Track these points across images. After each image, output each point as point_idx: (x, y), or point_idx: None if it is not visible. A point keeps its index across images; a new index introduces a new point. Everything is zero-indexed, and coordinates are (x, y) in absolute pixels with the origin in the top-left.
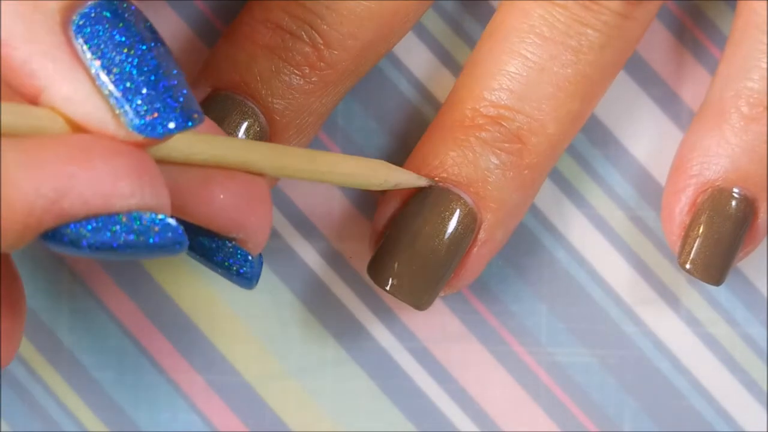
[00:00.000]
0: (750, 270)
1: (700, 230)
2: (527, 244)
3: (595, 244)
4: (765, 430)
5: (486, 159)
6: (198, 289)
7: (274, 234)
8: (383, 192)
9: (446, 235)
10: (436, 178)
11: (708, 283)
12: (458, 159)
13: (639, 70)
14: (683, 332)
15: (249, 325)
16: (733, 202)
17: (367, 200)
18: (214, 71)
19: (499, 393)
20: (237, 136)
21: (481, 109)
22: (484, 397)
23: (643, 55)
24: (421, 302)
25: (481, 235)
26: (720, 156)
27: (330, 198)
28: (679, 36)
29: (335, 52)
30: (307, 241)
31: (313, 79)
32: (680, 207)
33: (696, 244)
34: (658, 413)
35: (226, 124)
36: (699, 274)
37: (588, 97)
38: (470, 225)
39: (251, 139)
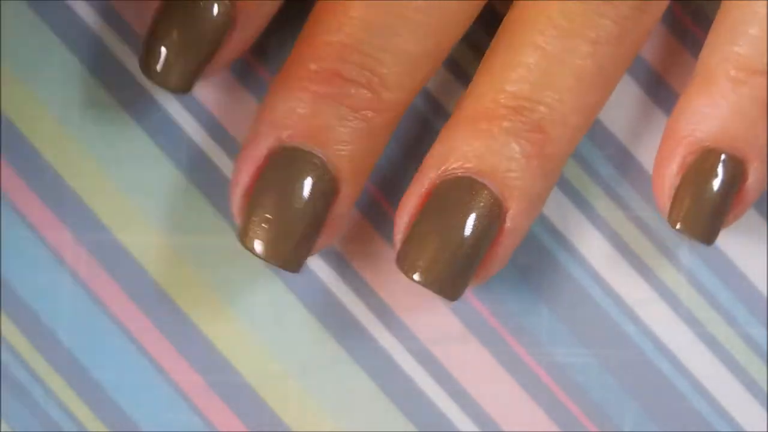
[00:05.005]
0: (750, 270)
1: (690, 191)
2: (527, 244)
3: (595, 244)
4: (765, 430)
5: (509, 148)
6: (198, 290)
7: None
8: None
9: (474, 225)
10: (461, 169)
11: (699, 241)
12: (481, 149)
13: (639, 70)
14: (683, 332)
15: (249, 325)
16: (722, 163)
17: (368, 201)
18: (276, 125)
19: (499, 393)
20: (304, 190)
21: (502, 101)
22: (484, 397)
23: (643, 55)
24: (452, 292)
25: (507, 224)
26: (709, 118)
27: None
28: (679, 36)
29: (394, 93)
30: None
31: (376, 122)
32: (670, 169)
33: (685, 204)
34: (658, 413)
35: (294, 178)
36: (689, 233)
37: (605, 88)
38: (496, 214)
39: (319, 194)
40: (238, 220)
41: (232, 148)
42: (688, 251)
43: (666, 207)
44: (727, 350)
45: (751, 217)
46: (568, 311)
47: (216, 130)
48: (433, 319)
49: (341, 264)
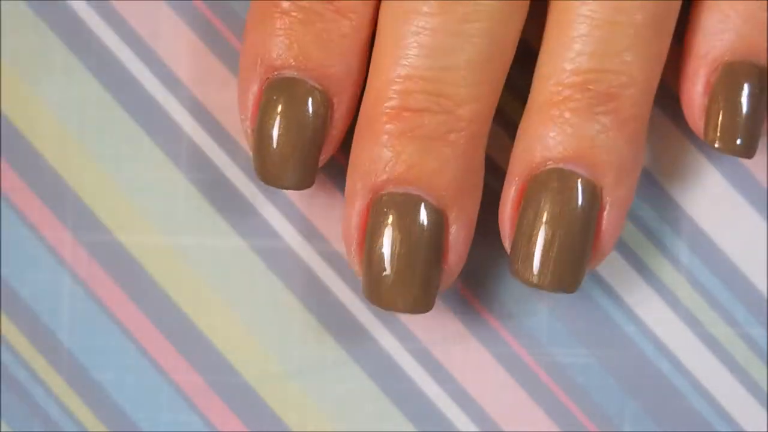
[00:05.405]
0: (750, 270)
1: (720, 107)
2: None
3: None
4: (765, 430)
5: (586, 127)
6: (198, 289)
7: (274, 234)
8: None
9: (574, 213)
10: (546, 162)
11: (740, 155)
12: (560, 137)
13: None
14: (683, 332)
15: (249, 326)
16: (747, 74)
17: None
18: (367, 177)
19: (500, 393)
20: (413, 233)
21: (566, 80)
22: (484, 398)
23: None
24: (571, 285)
25: (606, 199)
26: (722, 31)
27: (330, 199)
28: (677, 36)
29: (469, 106)
30: (307, 242)
31: (461, 141)
32: (696, 90)
33: (719, 122)
34: (658, 413)
35: (402, 223)
36: (729, 150)
37: (662, 33)
38: (593, 194)
39: (430, 231)
40: (359, 276)
41: (232, 148)
42: (688, 251)
43: (700, 128)
44: (726, 350)
45: (751, 217)
46: (568, 311)
47: (216, 130)
48: (433, 319)
49: (341, 264)
